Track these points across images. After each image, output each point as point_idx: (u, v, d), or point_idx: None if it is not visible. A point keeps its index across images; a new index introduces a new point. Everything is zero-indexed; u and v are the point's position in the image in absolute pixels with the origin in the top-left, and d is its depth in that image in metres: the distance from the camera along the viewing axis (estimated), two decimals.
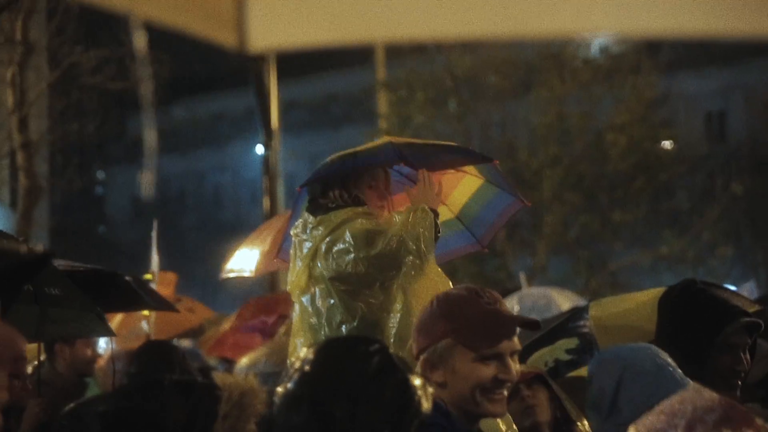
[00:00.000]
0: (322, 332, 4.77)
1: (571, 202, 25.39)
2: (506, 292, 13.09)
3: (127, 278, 7.01)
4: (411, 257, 4.74)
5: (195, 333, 10.53)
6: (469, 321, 3.55)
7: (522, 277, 13.83)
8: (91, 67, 16.29)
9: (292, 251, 5.03)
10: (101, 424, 2.86)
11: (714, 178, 28.58)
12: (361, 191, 5.03)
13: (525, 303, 12.13)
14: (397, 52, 25.53)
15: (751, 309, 5.87)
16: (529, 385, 4.90)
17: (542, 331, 6.21)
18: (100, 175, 46.96)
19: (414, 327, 3.73)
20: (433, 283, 4.83)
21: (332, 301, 4.78)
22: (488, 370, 3.50)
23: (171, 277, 10.00)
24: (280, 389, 2.71)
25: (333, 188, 4.99)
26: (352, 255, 4.73)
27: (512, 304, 12.23)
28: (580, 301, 12.12)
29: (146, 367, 6.40)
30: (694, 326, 4.43)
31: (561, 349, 5.70)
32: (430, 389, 2.81)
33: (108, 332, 6.00)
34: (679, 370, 3.80)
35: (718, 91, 35.99)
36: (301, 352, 2.80)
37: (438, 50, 25.37)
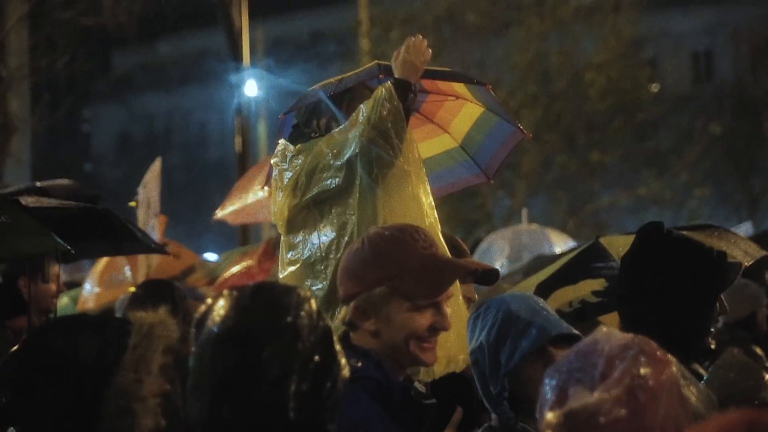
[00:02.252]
0: (309, 261, 4.68)
1: (549, 142, 25.40)
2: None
3: (121, 218, 6.91)
4: (380, 152, 4.55)
5: (178, 279, 10.39)
6: (406, 268, 3.34)
7: (524, 214, 13.80)
8: (63, 1, 16.06)
9: (273, 182, 4.88)
10: (16, 361, 2.89)
11: (694, 119, 28.62)
12: None
13: (521, 238, 12.18)
14: None
15: (758, 254, 5.88)
16: None
17: (552, 268, 6.08)
18: (87, 112, 46.73)
19: (340, 268, 3.49)
20: (411, 200, 4.69)
21: (319, 226, 4.66)
22: (424, 320, 3.34)
23: (160, 219, 9.91)
24: (198, 329, 2.66)
25: (320, 117, 4.83)
26: (332, 170, 4.60)
27: (506, 235, 12.29)
28: (572, 243, 12.13)
29: (145, 306, 6.32)
30: (704, 277, 4.20)
31: (586, 290, 5.53)
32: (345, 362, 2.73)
33: (62, 247, 5.97)
34: (555, 314, 3.75)
35: (705, 30, 35.79)
36: (220, 299, 2.71)
37: None
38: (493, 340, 3.60)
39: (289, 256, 4.78)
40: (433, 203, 4.81)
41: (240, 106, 14.50)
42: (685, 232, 5.66)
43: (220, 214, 8.70)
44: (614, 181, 27.72)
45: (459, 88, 5.33)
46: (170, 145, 47.13)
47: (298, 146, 4.74)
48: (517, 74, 25.91)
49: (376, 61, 5.04)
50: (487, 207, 25.36)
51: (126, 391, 2.79)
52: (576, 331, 3.70)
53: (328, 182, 4.61)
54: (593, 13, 26.03)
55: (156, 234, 8.38)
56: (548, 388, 2.32)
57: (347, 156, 4.57)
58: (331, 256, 4.58)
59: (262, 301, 2.65)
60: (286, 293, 2.66)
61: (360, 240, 3.48)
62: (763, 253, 6.13)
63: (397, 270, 3.33)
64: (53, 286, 6.97)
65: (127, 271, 9.06)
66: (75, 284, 9.45)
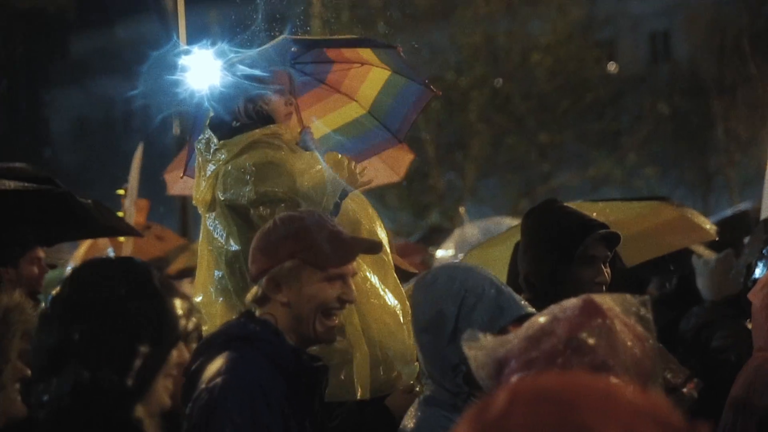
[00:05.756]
0: (223, 256, 4.68)
1: (498, 123, 25.46)
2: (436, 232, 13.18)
3: (83, 201, 6.75)
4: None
5: (162, 261, 10.29)
6: (316, 241, 3.62)
7: (461, 211, 13.91)
8: None
9: (196, 167, 4.87)
10: None
11: (651, 99, 28.72)
12: (266, 101, 4.82)
13: (489, 230, 12.27)
14: None
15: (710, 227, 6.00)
16: None
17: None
18: (46, 97, 46.24)
19: (253, 247, 3.73)
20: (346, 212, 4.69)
21: (229, 228, 4.67)
22: (333, 291, 3.63)
23: (143, 203, 9.72)
24: (40, 311, 2.76)
25: (235, 102, 4.78)
26: (249, 187, 4.59)
27: (474, 231, 12.37)
28: None
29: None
30: (554, 240, 4.50)
31: None
32: (197, 316, 2.83)
33: None
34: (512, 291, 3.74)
35: (663, 11, 35.81)
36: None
37: None
38: (456, 310, 3.59)
39: (204, 242, 4.83)
40: (375, 228, 4.78)
41: (178, 88, 14.40)
42: (602, 203, 5.91)
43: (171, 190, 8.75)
44: (567, 162, 27.84)
45: (365, 53, 5.32)
46: (129, 130, 46.85)
47: (222, 142, 4.73)
48: (466, 56, 25.91)
49: (284, 36, 4.97)
50: (438, 189, 25.37)
51: None
52: (533, 310, 3.66)
53: (242, 199, 4.61)
54: None
55: (132, 219, 8.29)
56: None
57: (270, 199, 4.56)
58: (236, 265, 4.63)
59: (78, 280, 2.75)
60: (106, 270, 2.78)
61: (272, 221, 3.73)
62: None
63: (309, 242, 3.61)
64: (35, 269, 6.91)
65: (111, 253, 9.00)
66: (52, 266, 9.43)
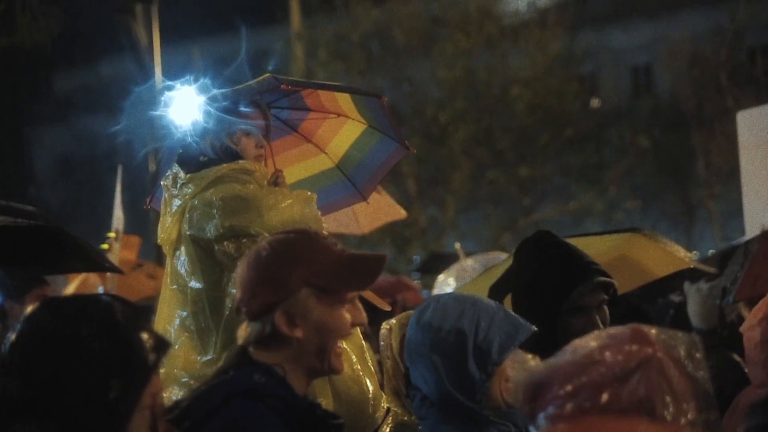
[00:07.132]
0: (188, 296, 4.55)
1: (479, 157, 25.52)
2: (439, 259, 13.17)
3: (74, 236, 6.69)
4: None
5: (152, 301, 10.19)
6: (328, 264, 3.16)
7: (457, 246, 14.01)
8: None
9: (162, 204, 4.71)
10: None
11: (633, 132, 28.84)
12: (236, 140, 4.68)
13: (489, 265, 12.27)
14: (309, 10, 25.52)
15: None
16: None
17: (500, 270, 6.11)
18: (30, 134, 46.17)
19: (246, 281, 3.18)
20: None
21: (193, 266, 4.52)
22: (347, 316, 3.19)
23: (135, 240, 9.51)
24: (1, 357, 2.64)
25: (205, 137, 4.66)
26: (216, 221, 4.43)
27: (473, 265, 12.35)
28: None
29: None
30: (545, 286, 4.19)
31: None
32: (164, 348, 2.69)
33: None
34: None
35: (644, 45, 35.98)
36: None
37: (346, 5, 25.31)
38: (474, 329, 3.59)
39: (168, 281, 4.69)
40: None
41: (155, 125, 14.45)
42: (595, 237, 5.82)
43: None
44: (548, 196, 27.91)
45: (344, 104, 5.22)
46: (114, 167, 46.59)
47: (189, 176, 4.62)
48: (446, 90, 26.01)
49: (269, 75, 4.80)
50: (419, 223, 25.38)
51: None
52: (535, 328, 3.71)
53: (208, 233, 4.47)
54: (519, 29, 26.28)
55: (115, 257, 8.13)
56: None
57: (236, 234, 4.44)
58: (200, 304, 4.53)
59: (33, 323, 2.64)
60: (61, 311, 2.65)
61: (262, 247, 3.21)
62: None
63: (321, 267, 3.14)
64: None
65: (101, 291, 8.96)
66: None
